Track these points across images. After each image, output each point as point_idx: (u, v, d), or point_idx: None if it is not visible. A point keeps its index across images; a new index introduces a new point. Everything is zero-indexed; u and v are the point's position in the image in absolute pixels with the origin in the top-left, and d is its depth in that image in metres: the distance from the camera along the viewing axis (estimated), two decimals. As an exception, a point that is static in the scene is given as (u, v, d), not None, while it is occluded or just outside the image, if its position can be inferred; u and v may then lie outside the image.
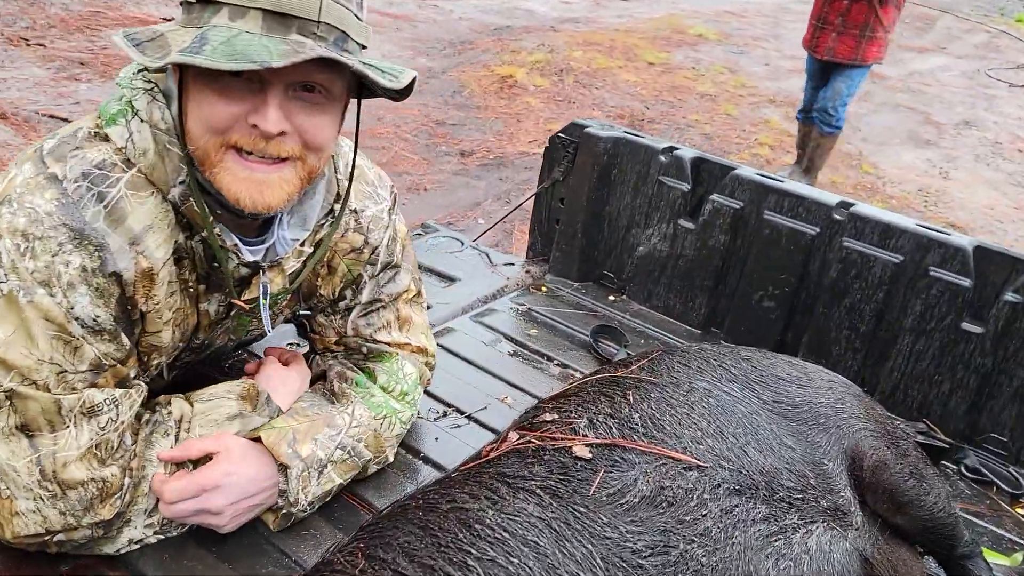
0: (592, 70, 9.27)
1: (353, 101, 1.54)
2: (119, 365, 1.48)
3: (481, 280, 3.00)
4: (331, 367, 1.88)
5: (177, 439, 1.63)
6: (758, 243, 2.73)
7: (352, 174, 1.69)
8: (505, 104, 8.12)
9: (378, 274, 1.91)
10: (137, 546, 1.61)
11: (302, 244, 1.67)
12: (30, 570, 1.56)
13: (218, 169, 1.39)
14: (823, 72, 6.49)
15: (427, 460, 1.99)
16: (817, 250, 2.64)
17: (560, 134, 3.05)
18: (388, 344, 1.94)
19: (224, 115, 1.34)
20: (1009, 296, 2.35)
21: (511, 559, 1.24)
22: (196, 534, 1.71)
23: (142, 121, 1.44)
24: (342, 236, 1.80)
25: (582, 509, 1.34)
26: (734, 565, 1.32)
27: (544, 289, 3.04)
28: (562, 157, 3.06)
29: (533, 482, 1.39)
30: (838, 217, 2.60)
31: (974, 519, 2.12)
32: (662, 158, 2.90)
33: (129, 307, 1.47)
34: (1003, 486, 2.28)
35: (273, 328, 1.77)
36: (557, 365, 2.54)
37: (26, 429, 1.39)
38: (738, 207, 2.76)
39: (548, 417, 1.60)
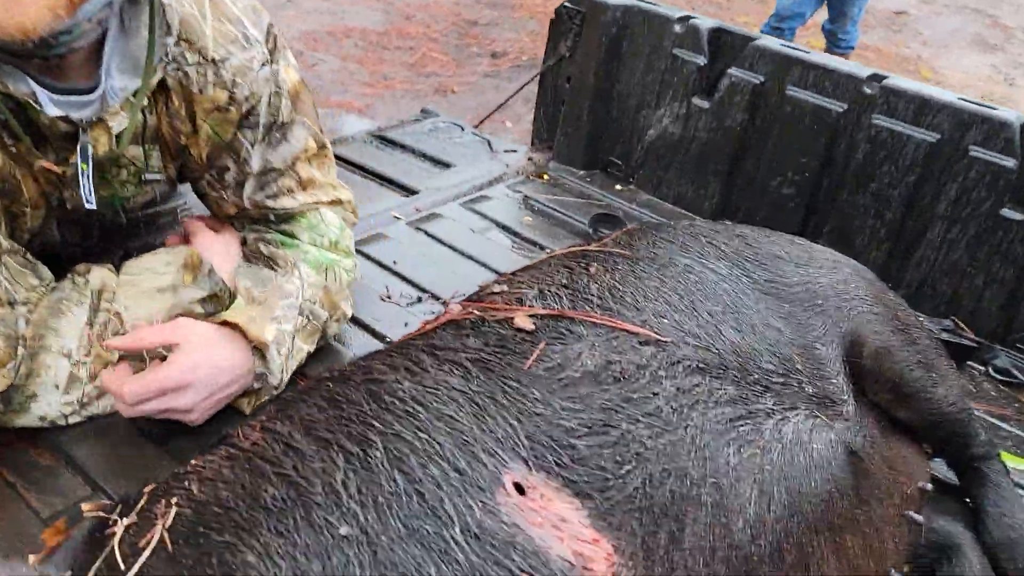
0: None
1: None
2: None
3: (478, 166, 2.79)
4: (246, 233, 1.71)
5: (96, 312, 1.50)
6: (779, 123, 2.46)
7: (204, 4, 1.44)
8: (540, 2, 7.72)
9: (263, 139, 1.63)
10: (61, 424, 1.50)
11: (135, 95, 1.43)
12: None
13: None
14: None
15: (387, 344, 1.83)
16: (844, 130, 2.36)
17: (566, 3, 2.78)
18: (295, 208, 1.73)
19: None
20: (1059, 176, 2.07)
21: (419, 434, 1.07)
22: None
23: None
24: (200, 92, 1.52)
25: (513, 384, 1.16)
26: (686, 449, 1.14)
27: (546, 177, 2.81)
28: (568, 30, 2.79)
29: (463, 354, 1.21)
30: (868, 91, 2.31)
31: (999, 422, 1.90)
32: (677, 28, 2.61)
33: None
34: (1037, 388, 2.05)
35: (161, 198, 1.58)
36: (549, 255, 2.34)
37: None
38: (758, 82, 2.48)
39: (497, 289, 1.41)
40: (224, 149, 1.62)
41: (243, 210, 1.71)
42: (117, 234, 1.79)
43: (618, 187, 2.80)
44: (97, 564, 0.99)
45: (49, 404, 1.46)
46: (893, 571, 1.28)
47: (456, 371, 1.18)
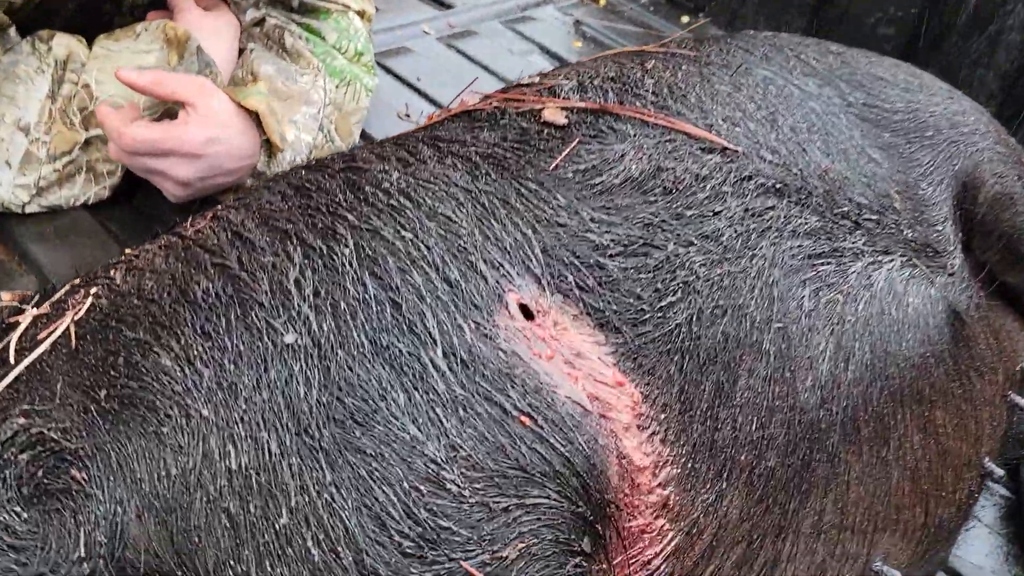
0: None
1: None
2: None
3: (528, -17, 2.44)
4: (267, 18, 1.44)
5: (60, 83, 1.27)
6: (886, -54, 2.07)
7: None
8: None
9: None
10: (16, 210, 1.30)
11: None
12: None
13: None
14: None
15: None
16: (966, -44, 1.97)
17: None
18: (321, 3, 1.47)
19: None
20: None
21: (402, 232, 0.82)
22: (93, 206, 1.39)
23: None
24: None
25: (532, 186, 0.90)
26: (749, 284, 0.88)
27: (603, 2, 2.46)
28: None
29: (473, 148, 0.95)
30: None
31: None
32: None
33: None
34: None
35: None
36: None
37: None
38: None
39: (528, 81, 1.14)
40: None
41: None
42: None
43: (685, 19, 2.44)
44: (-15, 357, 0.78)
45: (0, 184, 1.26)
46: (987, 460, 1.04)
47: (461, 165, 0.92)
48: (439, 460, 0.70)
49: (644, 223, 0.89)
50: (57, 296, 0.87)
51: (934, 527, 0.99)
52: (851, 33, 2.17)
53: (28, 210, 1.32)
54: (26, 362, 0.75)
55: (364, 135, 1.66)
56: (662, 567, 0.78)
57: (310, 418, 0.69)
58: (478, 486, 0.70)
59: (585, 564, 0.73)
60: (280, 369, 0.71)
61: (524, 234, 0.86)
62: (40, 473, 0.67)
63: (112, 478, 0.67)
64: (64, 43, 1.29)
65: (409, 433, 0.70)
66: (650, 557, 0.78)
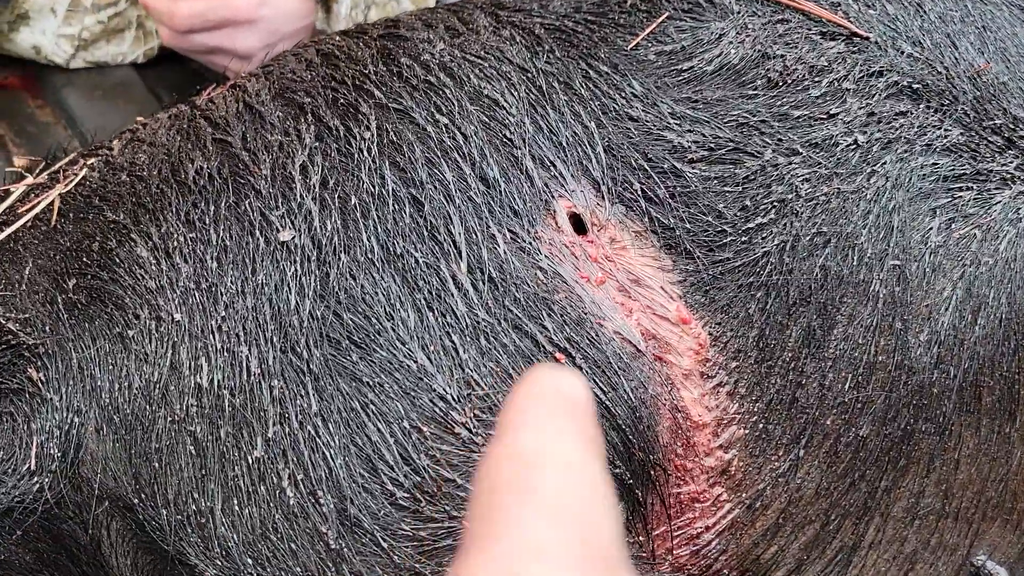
0: None
1: None
2: None
3: None
4: None
5: None
6: None
7: None
8: None
9: None
10: (60, 63, 1.23)
11: None
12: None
13: None
14: None
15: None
16: None
17: None
18: None
19: None
20: None
21: (436, 116, 0.68)
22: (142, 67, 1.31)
23: None
24: None
25: (604, 68, 0.74)
26: (860, 208, 0.71)
27: None
28: None
29: (539, 19, 0.79)
30: None
31: None
32: None
33: None
34: None
35: None
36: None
37: None
38: None
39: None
40: None
41: None
42: None
43: None
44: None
45: (43, 32, 1.20)
46: None
47: (520, 39, 0.76)
48: (449, 397, 0.58)
49: (738, 123, 0.72)
50: (58, 166, 0.78)
51: (1056, 516, 0.83)
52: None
53: (73, 65, 1.25)
54: (2, 235, 0.66)
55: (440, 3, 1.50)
56: (713, 543, 0.65)
57: (300, 334, 0.58)
58: (493, 432, 0.58)
59: (617, 534, 0.60)
60: (270, 272, 0.60)
61: (586, 127, 0.70)
62: (-7, 369, 0.59)
63: (72, 383, 0.58)
64: None
65: (416, 362, 0.58)
66: (699, 530, 0.65)
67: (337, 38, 0.80)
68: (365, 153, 0.65)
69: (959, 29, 0.86)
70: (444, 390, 0.58)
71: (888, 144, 0.74)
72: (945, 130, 0.77)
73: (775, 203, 0.69)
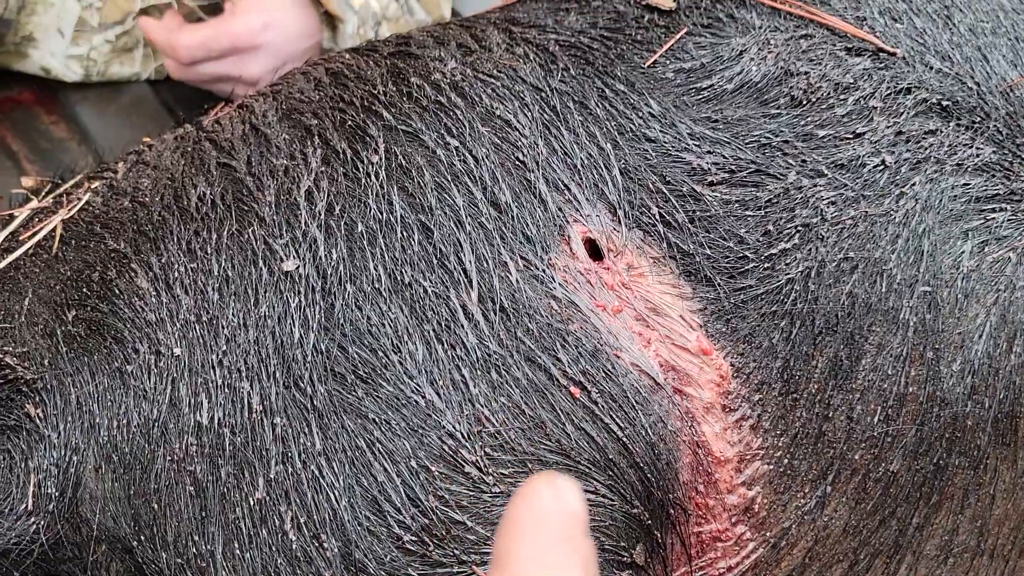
0: None
1: None
2: None
3: None
4: None
5: None
6: None
7: None
8: None
9: None
10: (74, 76, 1.21)
11: None
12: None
13: None
14: None
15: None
16: None
17: None
18: None
19: None
20: None
21: (446, 138, 0.66)
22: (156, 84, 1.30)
23: None
24: None
25: (620, 87, 0.71)
26: (889, 232, 0.68)
27: None
28: None
29: (553, 35, 0.76)
30: None
31: None
32: None
33: None
34: None
35: None
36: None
37: None
38: None
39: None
40: None
41: None
42: None
43: None
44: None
45: (52, 54, 1.19)
46: None
47: (535, 56, 0.74)
48: (459, 435, 0.55)
49: (760, 143, 0.69)
50: (63, 188, 0.76)
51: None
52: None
53: (88, 80, 1.24)
54: (2, 264, 0.65)
55: (456, 15, 1.49)
56: (736, 584, 0.62)
57: (303, 368, 0.56)
58: (505, 472, 0.55)
59: (635, 578, 0.58)
60: (273, 303, 0.57)
61: (601, 149, 0.67)
62: (-10, 405, 0.57)
63: (70, 420, 0.56)
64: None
65: (424, 397, 0.56)
66: (722, 571, 0.62)
67: (347, 56, 0.78)
68: (373, 178, 0.63)
69: (990, 41, 0.83)
70: (453, 427, 0.55)
71: (917, 164, 0.71)
72: (977, 148, 0.74)
73: (799, 227, 0.66)
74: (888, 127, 0.71)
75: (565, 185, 0.65)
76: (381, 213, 0.61)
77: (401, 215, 0.61)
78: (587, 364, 0.59)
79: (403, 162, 0.64)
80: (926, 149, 0.72)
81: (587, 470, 0.57)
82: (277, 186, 0.63)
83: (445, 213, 0.62)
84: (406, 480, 0.54)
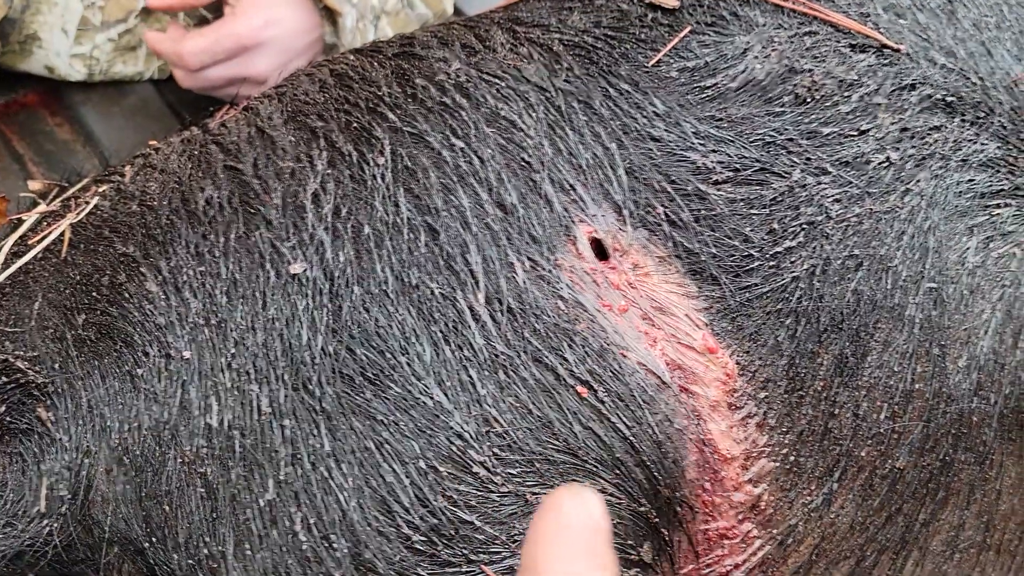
0: None
1: None
2: None
3: None
4: None
5: None
6: None
7: None
8: None
9: None
10: (78, 76, 1.22)
11: None
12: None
13: None
14: None
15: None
16: None
17: None
18: None
19: None
20: None
21: (452, 140, 0.66)
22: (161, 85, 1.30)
23: None
24: None
25: (624, 86, 0.71)
26: (894, 229, 0.68)
27: None
28: None
29: (557, 35, 0.76)
30: None
31: None
32: None
33: None
34: None
35: None
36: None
37: None
38: None
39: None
40: None
41: None
42: None
43: None
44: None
45: (57, 53, 1.19)
46: None
47: (539, 56, 0.74)
48: (467, 435, 0.56)
49: (764, 142, 0.69)
50: (71, 191, 0.77)
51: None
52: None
53: (94, 78, 1.25)
54: (10, 270, 0.65)
55: (458, 12, 1.49)
56: (743, 581, 0.63)
57: (312, 371, 0.56)
58: (513, 471, 0.56)
59: None
60: (281, 306, 0.58)
61: (606, 148, 0.68)
62: (3, 409, 0.57)
63: (81, 423, 0.57)
64: None
65: (432, 398, 0.56)
66: (729, 568, 0.62)
67: (351, 57, 0.79)
68: (379, 180, 0.63)
69: (995, 36, 0.83)
70: (461, 427, 0.56)
71: (922, 161, 0.71)
72: (981, 144, 0.74)
73: (804, 225, 0.66)
74: (893, 123, 0.72)
75: (571, 185, 0.66)
76: (388, 215, 0.62)
77: (408, 217, 0.62)
78: (594, 364, 0.59)
79: (409, 164, 0.64)
80: (931, 145, 0.72)
81: (594, 469, 0.58)
82: (284, 189, 0.63)
83: (451, 214, 0.62)
84: (415, 481, 0.54)
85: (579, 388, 0.59)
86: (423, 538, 0.54)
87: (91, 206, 0.70)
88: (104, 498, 0.56)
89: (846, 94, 0.72)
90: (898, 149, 0.70)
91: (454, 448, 0.55)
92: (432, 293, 0.59)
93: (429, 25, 0.89)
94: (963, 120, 0.74)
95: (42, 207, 0.76)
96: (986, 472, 0.68)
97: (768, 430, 0.63)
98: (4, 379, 0.58)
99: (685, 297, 0.64)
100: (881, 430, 0.65)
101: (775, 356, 0.64)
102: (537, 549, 0.34)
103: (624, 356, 0.60)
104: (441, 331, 0.58)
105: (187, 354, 0.57)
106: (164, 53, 1.15)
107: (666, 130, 0.69)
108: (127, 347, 0.58)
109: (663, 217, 0.66)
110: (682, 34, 0.75)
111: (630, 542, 0.58)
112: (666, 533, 0.60)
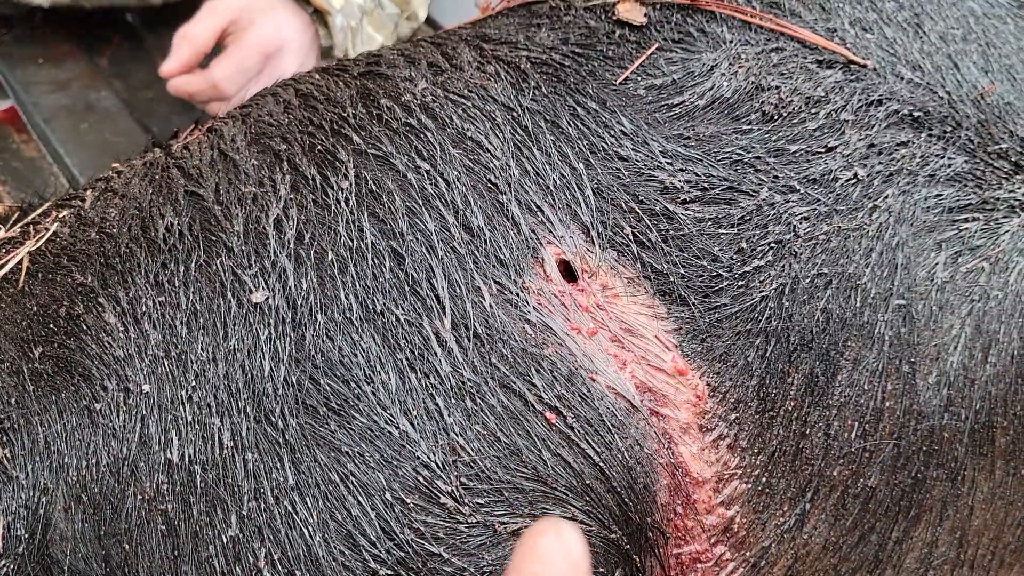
0: None
1: None
2: None
3: None
4: None
5: None
6: None
7: None
8: None
9: None
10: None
11: None
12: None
13: None
14: None
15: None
16: None
17: None
18: None
19: None
20: None
21: (417, 162, 0.65)
22: (130, 105, 1.29)
23: None
24: None
25: (592, 104, 0.71)
26: (862, 246, 0.68)
27: None
28: None
29: (524, 52, 0.76)
30: None
31: None
32: None
33: None
34: None
35: None
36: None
37: None
38: None
39: (605, -32, 0.92)
40: None
41: None
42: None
43: None
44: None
45: None
46: None
47: (506, 74, 0.73)
48: (434, 465, 0.55)
49: (732, 160, 0.69)
50: (31, 217, 0.75)
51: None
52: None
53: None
54: (-35, 302, 0.64)
55: (430, 22, 1.48)
56: (717, 605, 0.62)
57: (274, 402, 0.55)
58: (481, 501, 0.55)
59: (615, 602, 0.57)
60: (243, 336, 0.57)
61: (574, 169, 0.67)
62: (-43, 446, 0.56)
63: (38, 460, 0.56)
64: None
65: (398, 428, 0.55)
66: (702, 592, 0.62)
67: (316, 76, 0.78)
68: (343, 204, 0.62)
69: (961, 48, 0.83)
70: (428, 457, 0.55)
71: (890, 177, 0.71)
72: (948, 159, 0.74)
73: (772, 244, 0.66)
74: (860, 140, 0.71)
75: (538, 206, 0.65)
76: (352, 240, 0.61)
77: (372, 242, 0.61)
78: (562, 388, 0.59)
79: (373, 187, 0.64)
80: (898, 161, 0.72)
81: (564, 496, 0.57)
82: (245, 215, 0.62)
83: (417, 238, 0.61)
84: (381, 513, 0.53)
85: (548, 414, 0.58)
86: (390, 572, 0.53)
87: (50, 233, 0.69)
88: (63, 537, 0.54)
89: (813, 111, 0.72)
90: (865, 165, 0.70)
91: (420, 479, 0.54)
92: (397, 320, 0.58)
93: (398, 42, 0.88)
94: (930, 135, 0.75)
95: (1, 233, 0.74)
96: (958, 488, 0.68)
97: (740, 451, 0.62)
98: (-42, 415, 0.57)
99: (654, 318, 0.64)
100: (852, 449, 0.65)
101: (745, 377, 0.63)
102: None
103: (593, 380, 0.60)
104: (407, 358, 0.57)
105: (146, 387, 0.55)
106: (198, 92, 1.15)
107: (634, 149, 0.69)
108: (85, 381, 0.56)
109: (631, 237, 0.65)
110: (649, 51, 0.75)
111: (601, 570, 0.57)
112: (638, 560, 0.59)
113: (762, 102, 0.71)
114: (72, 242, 0.65)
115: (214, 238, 0.61)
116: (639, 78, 0.73)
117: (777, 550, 0.63)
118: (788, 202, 0.68)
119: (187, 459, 0.54)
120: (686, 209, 0.66)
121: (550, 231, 0.65)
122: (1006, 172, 0.77)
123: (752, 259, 0.65)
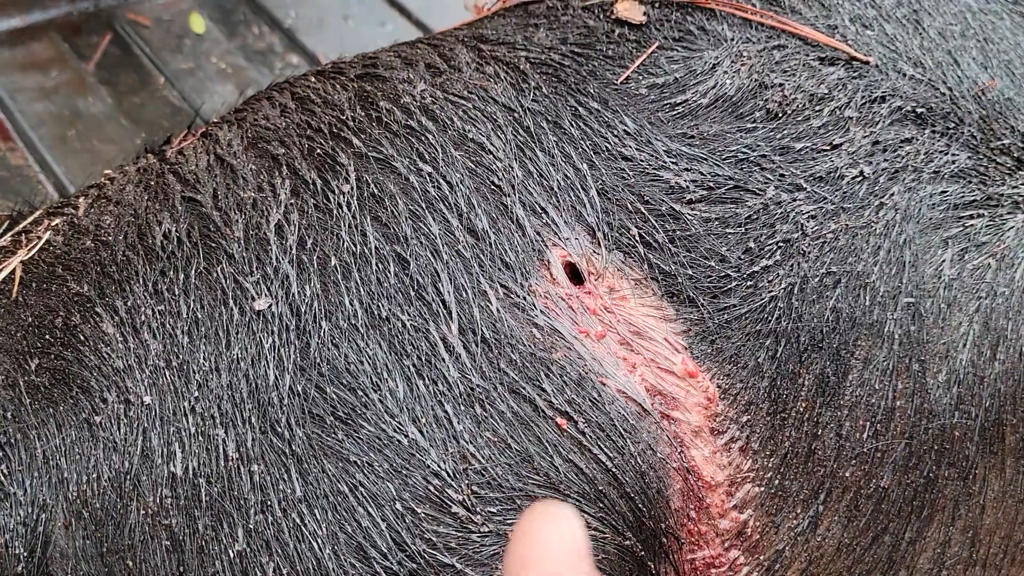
0: None
1: None
2: None
3: None
4: None
5: None
6: None
7: None
8: None
9: None
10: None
11: None
12: None
13: None
14: None
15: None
16: None
17: None
18: None
19: None
20: None
21: (419, 165, 0.64)
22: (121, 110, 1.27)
23: None
24: None
25: (593, 104, 0.70)
26: (870, 244, 0.67)
27: None
28: None
29: (523, 53, 0.75)
30: None
31: None
32: None
33: None
34: None
35: None
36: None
37: None
38: None
39: (601, -33, 0.91)
40: None
41: None
42: None
43: None
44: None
45: None
46: None
47: (505, 75, 0.72)
48: (444, 473, 0.54)
49: (737, 159, 0.68)
50: (22, 225, 0.74)
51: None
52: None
53: None
54: (-43, 314, 0.62)
55: (423, 27, 1.47)
56: (731, 610, 0.61)
57: (280, 412, 0.54)
58: (493, 509, 0.54)
59: (629, 610, 0.56)
60: (246, 344, 0.55)
61: (577, 169, 0.66)
62: (-49, 463, 0.54)
63: (37, 475, 0.54)
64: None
65: (407, 436, 0.54)
66: (716, 597, 0.61)
67: (312, 79, 0.76)
68: (345, 208, 0.61)
69: (960, 44, 0.83)
70: (438, 466, 0.54)
71: (895, 174, 0.70)
72: (952, 155, 0.74)
73: (780, 243, 0.65)
74: (865, 137, 0.71)
75: (542, 208, 0.64)
76: (355, 245, 0.59)
77: (376, 246, 0.60)
78: (572, 393, 0.57)
79: (375, 191, 0.62)
80: (903, 158, 0.71)
81: (577, 503, 0.56)
82: (245, 220, 0.61)
83: (421, 242, 0.60)
84: (391, 524, 0.52)
85: (558, 419, 0.57)
86: (401, 584, 0.52)
87: (43, 242, 0.67)
88: (63, 554, 0.53)
89: (817, 108, 0.71)
90: (871, 163, 0.70)
91: (431, 488, 0.53)
92: (403, 325, 0.57)
93: (407, 42, 0.87)
94: (934, 131, 0.74)
95: (-9, 242, 0.72)
96: (970, 487, 0.68)
97: (752, 454, 0.62)
98: (-48, 431, 0.55)
99: (663, 320, 0.63)
100: (864, 449, 0.64)
101: (756, 378, 0.63)
102: (519, 571, 0.32)
103: (603, 384, 0.59)
104: (414, 365, 0.56)
105: (147, 399, 0.54)
106: None
107: (637, 149, 0.68)
108: (84, 393, 0.55)
109: (638, 239, 0.64)
110: (650, 50, 0.74)
111: (616, 577, 0.56)
112: (652, 566, 0.58)
113: (766, 100, 0.71)
114: (67, 251, 0.64)
115: (214, 244, 0.60)
116: (640, 77, 0.72)
117: (791, 553, 0.62)
118: (795, 200, 0.67)
119: (191, 472, 0.52)
120: (692, 209, 0.66)
121: (555, 233, 0.64)
122: (1009, 168, 0.77)
123: (760, 259, 0.65)
